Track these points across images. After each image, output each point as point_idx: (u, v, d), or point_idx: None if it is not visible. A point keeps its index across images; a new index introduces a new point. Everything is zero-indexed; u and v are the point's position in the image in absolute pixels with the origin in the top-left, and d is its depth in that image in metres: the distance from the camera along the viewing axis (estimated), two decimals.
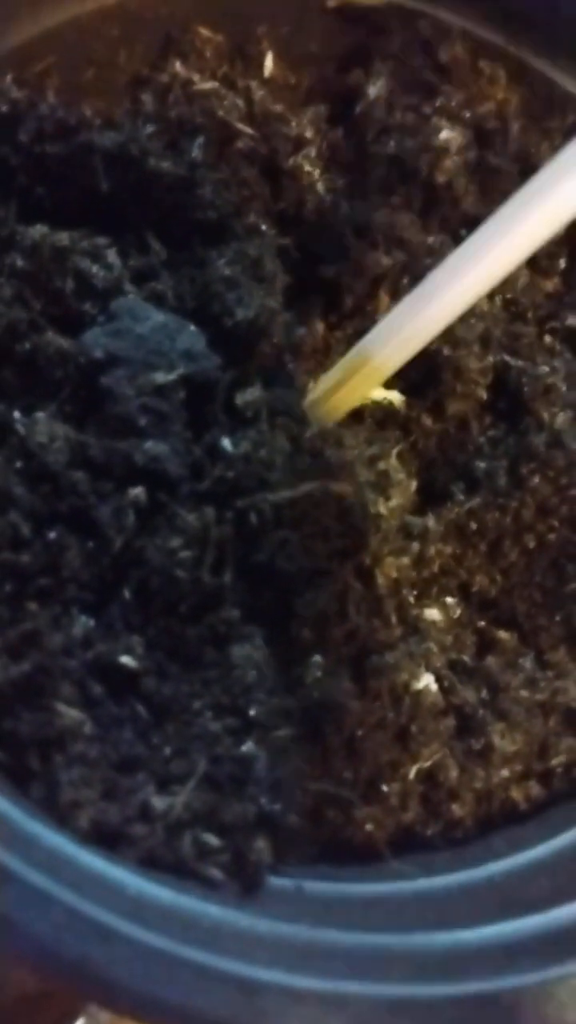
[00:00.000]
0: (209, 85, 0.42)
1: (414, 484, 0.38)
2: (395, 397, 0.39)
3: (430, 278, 0.33)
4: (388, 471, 0.37)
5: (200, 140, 0.40)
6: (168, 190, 0.38)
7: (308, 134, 0.42)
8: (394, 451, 0.38)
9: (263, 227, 0.40)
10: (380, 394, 0.39)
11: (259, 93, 0.43)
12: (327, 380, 0.36)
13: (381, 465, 0.37)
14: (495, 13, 0.45)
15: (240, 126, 0.41)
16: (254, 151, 0.41)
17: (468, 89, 0.45)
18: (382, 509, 0.35)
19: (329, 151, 0.43)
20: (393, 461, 0.38)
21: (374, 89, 0.44)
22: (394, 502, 0.37)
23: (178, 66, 0.42)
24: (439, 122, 0.43)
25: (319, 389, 0.37)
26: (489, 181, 0.44)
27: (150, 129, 0.40)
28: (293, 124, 0.42)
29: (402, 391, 0.39)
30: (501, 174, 0.44)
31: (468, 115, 0.45)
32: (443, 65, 0.45)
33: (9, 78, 0.39)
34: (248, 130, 0.41)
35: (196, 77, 0.42)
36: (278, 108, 0.43)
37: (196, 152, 0.39)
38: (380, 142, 0.43)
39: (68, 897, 0.22)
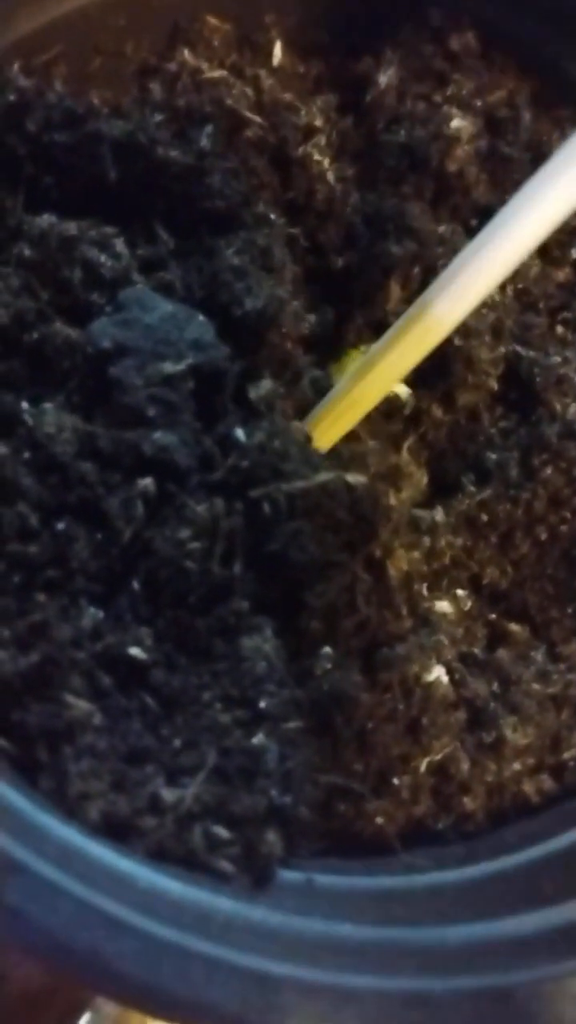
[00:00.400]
0: (217, 74, 0.42)
1: (425, 476, 0.38)
2: (401, 390, 0.39)
3: (487, 226, 0.31)
4: (399, 463, 0.37)
5: (209, 129, 0.39)
6: (176, 179, 0.38)
7: (318, 123, 0.42)
8: (405, 443, 0.38)
9: (272, 216, 0.39)
10: None
11: (268, 82, 0.43)
12: (380, 342, 0.34)
13: (392, 457, 0.37)
14: (505, 0, 0.45)
15: (249, 115, 0.41)
16: (263, 140, 0.41)
17: (479, 77, 0.45)
18: (393, 501, 0.35)
19: (339, 140, 0.43)
20: (404, 453, 0.37)
21: (384, 78, 0.44)
22: (405, 494, 0.37)
23: (186, 55, 0.42)
24: (450, 111, 0.43)
25: (361, 360, 0.35)
26: (500, 170, 0.43)
27: (158, 118, 0.39)
28: (302, 113, 0.42)
29: (413, 382, 0.39)
30: (512, 163, 0.44)
31: (479, 104, 0.44)
32: (454, 53, 0.45)
33: (16, 67, 0.38)
34: (257, 119, 0.41)
35: (204, 66, 0.42)
36: (287, 97, 0.43)
37: (204, 141, 0.39)
38: (390, 131, 0.43)
39: (78, 889, 0.22)
